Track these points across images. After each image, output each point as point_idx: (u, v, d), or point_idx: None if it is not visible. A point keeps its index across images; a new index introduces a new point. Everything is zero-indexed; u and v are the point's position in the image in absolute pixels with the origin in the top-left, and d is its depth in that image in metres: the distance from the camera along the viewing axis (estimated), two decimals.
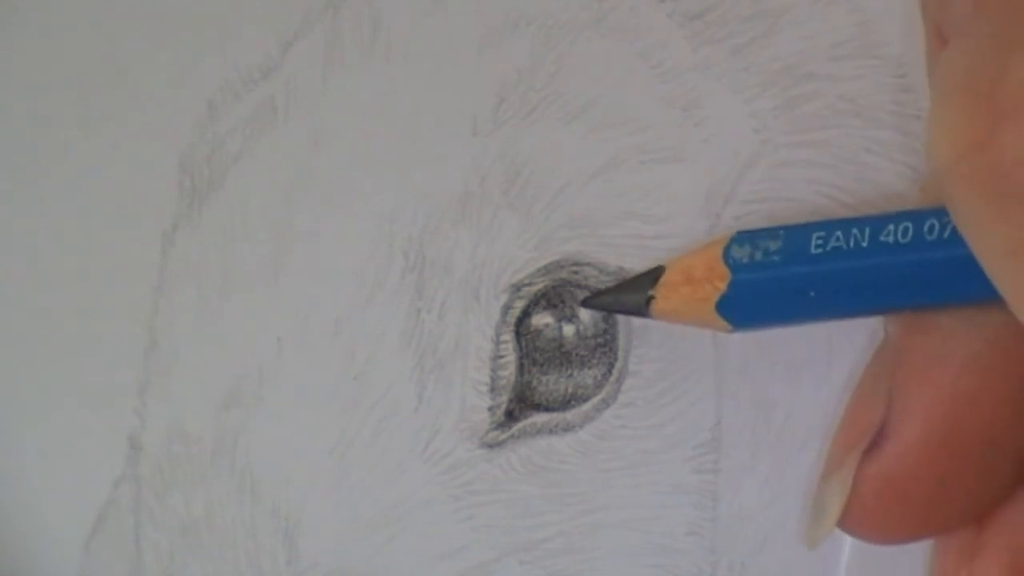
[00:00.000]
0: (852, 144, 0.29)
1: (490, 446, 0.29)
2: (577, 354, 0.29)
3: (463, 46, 0.29)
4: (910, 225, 0.25)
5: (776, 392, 0.29)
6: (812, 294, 0.26)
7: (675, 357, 0.29)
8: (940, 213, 0.25)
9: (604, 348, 0.29)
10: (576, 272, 0.29)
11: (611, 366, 0.29)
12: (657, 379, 0.29)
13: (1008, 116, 0.20)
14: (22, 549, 0.31)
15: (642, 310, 0.28)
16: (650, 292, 0.28)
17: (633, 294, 0.28)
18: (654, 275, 0.28)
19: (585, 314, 0.29)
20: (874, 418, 0.25)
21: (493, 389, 0.29)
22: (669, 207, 0.29)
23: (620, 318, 0.29)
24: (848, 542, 0.29)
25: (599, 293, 0.29)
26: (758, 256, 0.26)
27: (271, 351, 0.30)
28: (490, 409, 0.29)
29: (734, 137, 0.29)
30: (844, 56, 0.29)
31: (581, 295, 0.29)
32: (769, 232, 0.27)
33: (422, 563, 0.30)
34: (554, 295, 0.29)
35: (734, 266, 0.27)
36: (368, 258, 0.29)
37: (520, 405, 0.29)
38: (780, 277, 0.26)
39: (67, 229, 0.30)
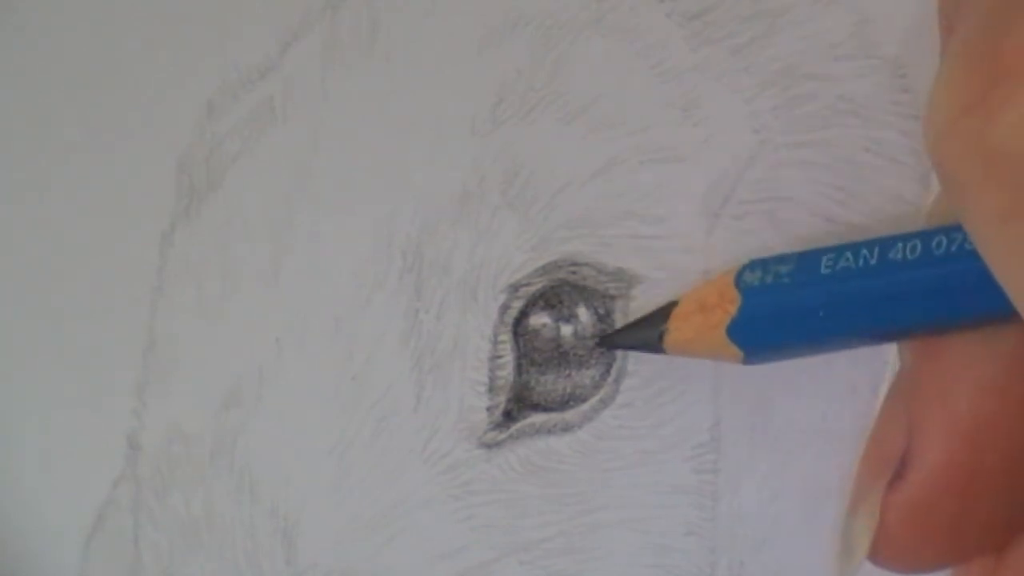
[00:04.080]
0: (852, 144, 0.29)
1: (489, 446, 0.29)
2: (575, 354, 0.29)
3: (462, 46, 0.29)
4: (918, 243, 0.25)
5: (775, 392, 0.29)
6: (822, 314, 0.26)
7: (674, 357, 0.29)
8: (947, 231, 0.25)
9: (602, 348, 0.29)
10: (574, 272, 0.29)
11: (609, 366, 0.29)
12: (655, 379, 0.29)
13: (1003, 79, 0.20)
14: (22, 549, 0.31)
15: (656, 345, 0.28)
16: (663, 327, 0.28)
17: (646, 330, 0.28)
18: (667, 309, 0.28)
19: (583, 314, 0.29)
20: (896, 447, 0.25)
21: (491, 389, 0.29)
22: (668, 207, 0.29)
23: (619, 318, 0.29)
24: None
25: (614, 333, 0.29)
26: (769, 279, 0.26)
27: (270, 351, 0.30)
28: (488, 409, 0.29)
29: (733, 137, 0.29)
30: (844, 56, 0.29)
31: (579, 296, 0.29)
32: (781, 257, 0.27)
33: (421, 563, 0.30)
34: (552, 295, 0.29)
35: (745, 290, 0.27)
36: (367, 258, 0.29)
37: (518, 405, 0.29)
38: (790, 297, 0.26)
39: (67, 229, 0.30)
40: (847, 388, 0.29)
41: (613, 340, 0.29)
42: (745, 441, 0.29)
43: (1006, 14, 0.21)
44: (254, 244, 0.29)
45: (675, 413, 0.29)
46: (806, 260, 0.26)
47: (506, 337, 0.29)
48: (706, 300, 0.27)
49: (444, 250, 0.29)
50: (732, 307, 0.27)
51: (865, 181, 0.29)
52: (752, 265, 0.27)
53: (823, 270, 0.26)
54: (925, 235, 0.25)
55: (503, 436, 0.29)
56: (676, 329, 0.28)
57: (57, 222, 0.30)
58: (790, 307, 0.26)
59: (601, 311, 0.29)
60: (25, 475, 0.30)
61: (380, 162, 0.29)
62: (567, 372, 0.29)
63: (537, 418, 0.29)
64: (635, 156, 0.29)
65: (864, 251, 0.26)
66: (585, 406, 0.29)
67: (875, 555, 0.26)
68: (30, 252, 0.30)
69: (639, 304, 0.29)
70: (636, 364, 0.29)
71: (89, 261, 0.30)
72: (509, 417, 0.29)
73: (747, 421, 0.29)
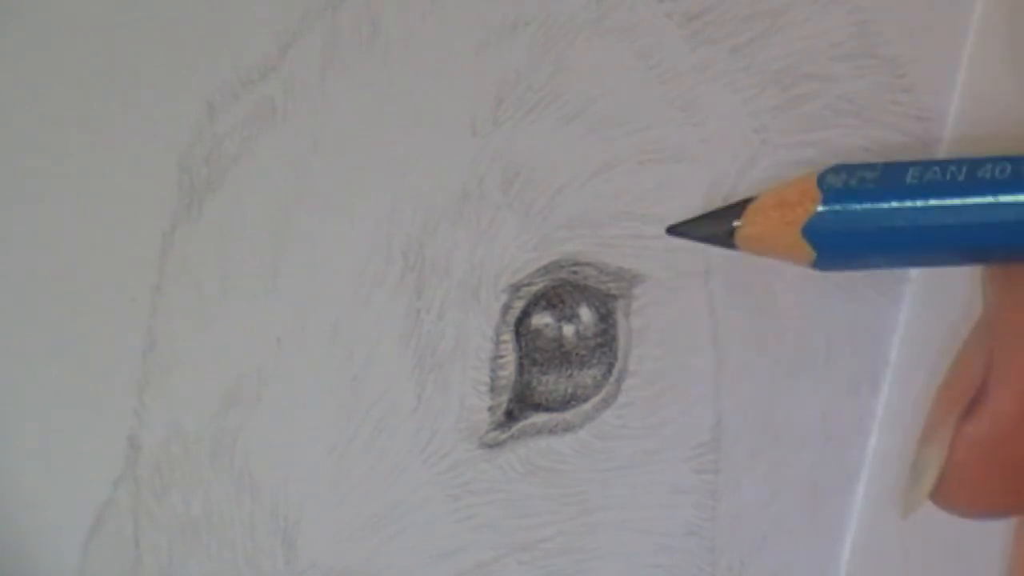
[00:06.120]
0: (852, 144, 0.29)
1: (489, 446, 0.29)
2: (577, 354, 0.29)
3: (462, 46, 0.29)
4: (1009, 165, 0.25)
5: (775, 392, 0.29)
6: (902, 224, 0.26)
7: (675, 357, 0.29)
8: None
9: (604, 348, 0.29)
10: (575, 272, 0.29)
11: (611, 366, 0.29)
12: (657, 379, 0.29)
13: None
14: (22, 549, 0.31)
15: (726, 239, 0.28)
16: (736, 221, 0.27)
17: (720, 222, 0.28)
18: (743, 204, 0.28)
19: (585, 314, 0.29)
20: (973, 381, 0.25)
21: (493, 389, 0.29)
22: (668, 207, 0.29)
23: (619, 318, 0.29)
24: (849, 541, 0.29)
25: (684, 222, 0.28)
26: (853, 183, 0.26)
27: (270, 351, 0.30)
28: (490, 409, 0.29)
29: (733, 137, 0.29)
30: (844, 56, 0.29)
31: (580, 295, 0.29)
32: (867, 165, 0.27)
33: (421, 563, 0.30)
34: (553, 295, 0.29)
35: (827, 191, 0.26)
36: (367, 258, 0.29)
37: (520, 405, 0.29)
38: (872, 202, 0.26)
39: (67, 229, 0.30)
40: (847, 387, 0.29)
41: (683, 229, 0.28)
42: (745, 441, 0.29)
43: None
44: (254, 244, 0.29)
45: (676, 413, 0.29)
46: (892, 169, 0.26)
47: (508, 337, 0.29)
48: (786, 197, 0.27)
49: (445, 250, 0.29)
50: (812, 206, 0.26)
51: None
52: (837, 168, 0.27)
53: (909, 180, 0.26)
54: (1017, 160, 0.25)
55: (504, 436, 0.29)
56: (751, 223, 0.27)
57: (57, 222, 0.30)
58: (871, 212, 0.26)
59: (602, 311, 0.29)
60: (25, 475, 0.30)
61: (380, 162, 0.29)
62: (569, 372, 0.29)
63: (538, 418, 0.29)
64: (635, 156, 0.29)
65: (952, 168, 0.25)
66: (586, 406, 0.29)
67: (941, 490, 0.25)
68: (30, 252, 0.30)
69: (642, 303, 0.29)
70: (637, 364, 0.29)
71: (89, 261, 0.30)
72: (511, 417, 0.29)
73: (747, 421, 0.29)
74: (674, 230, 0.28)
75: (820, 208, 0.26)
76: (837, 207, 0.26)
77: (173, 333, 0.30)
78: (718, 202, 0.29)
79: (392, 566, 0.30)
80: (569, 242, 0.29)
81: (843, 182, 0.26)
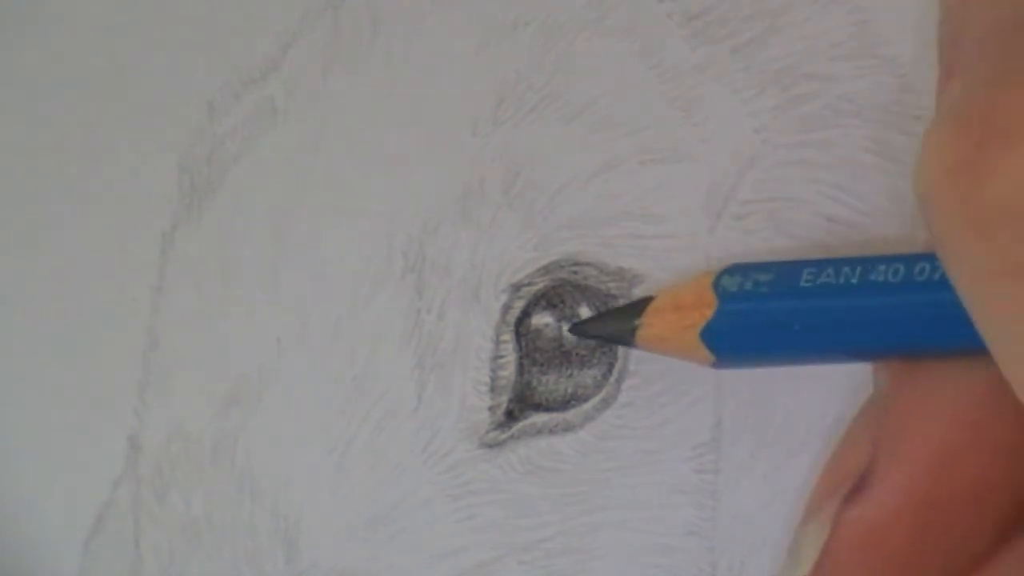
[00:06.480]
0: (852, 144, 0.29)
1: (490, 446, 0.29)
2: (577, 354, 0.29)
3: (462, 46, 0.29)
4: (901, 267, 0.25)
5: (775, 391, 0.29)
6: (797, 327, 0.26)
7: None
8: (932, 258, 0.25)
9: (604, 348, 0.29)
10: (576, 272, 0.29)
11: (611, 366, 0.29)
12: (657, 379, 0.29)
13: (992, 139, 0.20)
14: (22, 549, 0.31)
15: (628, 338, 0.28)
16: (636, 321, 0.28)
17: (620, 322, 0.28)
18: (642, 304, 0.28)
19: (585, 314, 0.29)
20: (857, 465, 0.25)
21: (493, 389, 0.29)
22: (669, 207, 0.29)
23: None
24: None
25: (586, 320, 0.29)
26: (748, 286, 0.26)
27: (271, 351, 0.30)
28: (490, 409, 0.29)
29: (734, 137, 0.29)
30: (844, 56, 0.29)
31: (580, 295, 0.29)
32: (762, 265, 0.27)
33: (421, 563, 0.30)
34: (554, 295, 0.29)
35: (722, 295, 0.27)
36: (368, 258, 0.29)
37: (520, 405, 0.29)
38: (766, 307, 0.26)
39: (67, 229, 0.30)
40: (847, 388, 0.29)
41: (585, 328, 0.29)
42: (745, 441, 0.29)
43: (1007, 69, 0.21)
44: (255, 244, 0.29)
45: (676, 413, 0.29)
46: (786, 271, 0.26)
47: (508, 337, 0.29)
48: (682, 300, 0.27)
49: (445, 250, 0.29)
50: (708, 310, 0.27)
51: (865, 181, 0.29)
52: (732, 270, 0.27)
53: (803, 283, 0.26)
54: (909, 259, 0.25)
55: (505, 436, 0.29)
56: (649, 325, 0.27)
57: (58, 222, 0.30)
58: (765, 317, 0.26)
59: (603, 311, 0.29)
60: (25, 475, 0.30)
61: (381, 162, 0.29)
62: (569, 372, 0.29)
63: (539, 418, 0.29)
64: (636, 156, 0.29)
65: (846, 269, 0.26)
66: (587, 406, 0.29)
67: (819, 574, 0.25)
68: (31, 252, 0.30)
69: None
70: (638, 364, 0.29)
71: (90, 261, 0.30)
72: (511, 417, 0.29)
73: (748, 421, 0.29)
74: (575, 329, 0.29)
75: (715, 312, 0.26)
76: (731, 313, 0.26)
77: (174, 333, 0.30)
78: (719, 201, 0.29)
79: (392, 566, 0.30)
80: (570, 242, 0.29)
81: (738, 285, 0.27)
